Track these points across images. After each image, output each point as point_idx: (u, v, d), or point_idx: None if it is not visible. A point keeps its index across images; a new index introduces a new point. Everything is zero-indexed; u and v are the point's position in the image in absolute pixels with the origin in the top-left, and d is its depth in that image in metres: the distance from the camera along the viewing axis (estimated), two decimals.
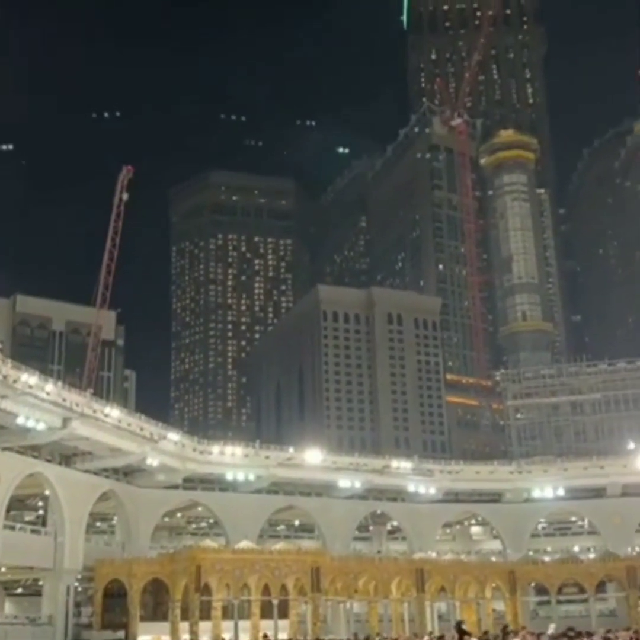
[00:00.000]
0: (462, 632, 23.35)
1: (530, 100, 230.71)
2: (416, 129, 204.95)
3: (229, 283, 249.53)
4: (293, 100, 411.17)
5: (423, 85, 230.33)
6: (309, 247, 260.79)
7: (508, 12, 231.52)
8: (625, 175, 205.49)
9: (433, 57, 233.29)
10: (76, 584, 57.57)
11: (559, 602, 66.88)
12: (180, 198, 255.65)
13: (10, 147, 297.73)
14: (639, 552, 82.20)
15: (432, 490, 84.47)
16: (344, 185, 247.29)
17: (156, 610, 55.14)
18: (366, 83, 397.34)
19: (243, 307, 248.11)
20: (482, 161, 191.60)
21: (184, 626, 51.81)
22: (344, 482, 79.11)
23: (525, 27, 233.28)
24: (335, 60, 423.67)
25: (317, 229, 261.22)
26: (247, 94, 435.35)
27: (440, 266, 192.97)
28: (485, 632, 21.77)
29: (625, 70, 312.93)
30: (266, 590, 54.50)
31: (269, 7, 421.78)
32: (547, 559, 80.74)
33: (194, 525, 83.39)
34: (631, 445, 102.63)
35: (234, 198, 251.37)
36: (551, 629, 27.67)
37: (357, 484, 79.94)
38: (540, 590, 69.67)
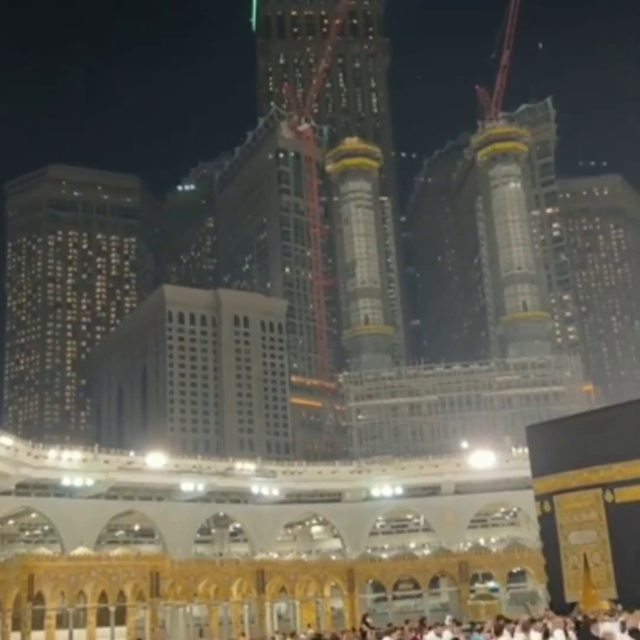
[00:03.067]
0: (368, 626, 24.04)
1: (375, 110, 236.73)
2: (264, 132, 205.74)
3: (69, 281, 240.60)
4: (142, 97, 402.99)
5: (271, 89, 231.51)
6: (155, 246, 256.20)
7: (354, 22, 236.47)
8: (461, 186, 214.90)
9: (281, 61, 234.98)
10: None
11: (394, 597, 68.84)
12: (16, 192, 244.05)
13: None
14: (471, 547, 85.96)
15: (275, 492, 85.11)
16: (191, 185, 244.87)
17: None
18: (216, 83, 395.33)
19: (84, 307, 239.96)
20: (328, 167, 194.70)
21: (15, 637, 49.52)
22: (187, 486, 78.41)
23: (370, 37, 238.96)
24: (185, 57, 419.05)
25: (163, 229, 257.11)
26: (93, 93, 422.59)
27: (287, 269, 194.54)
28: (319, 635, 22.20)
29: (465, 85, 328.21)
30: (103, 597, 53.01)
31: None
32: (384, 556, 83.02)
33: (27, 533, 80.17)
34: (464, 445, 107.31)
35: (76, 193, 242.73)
36: (448, 620, 28.41)
37: (200, 487, 79.41)
38: (377, 587, 71.50)
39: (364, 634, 21.22)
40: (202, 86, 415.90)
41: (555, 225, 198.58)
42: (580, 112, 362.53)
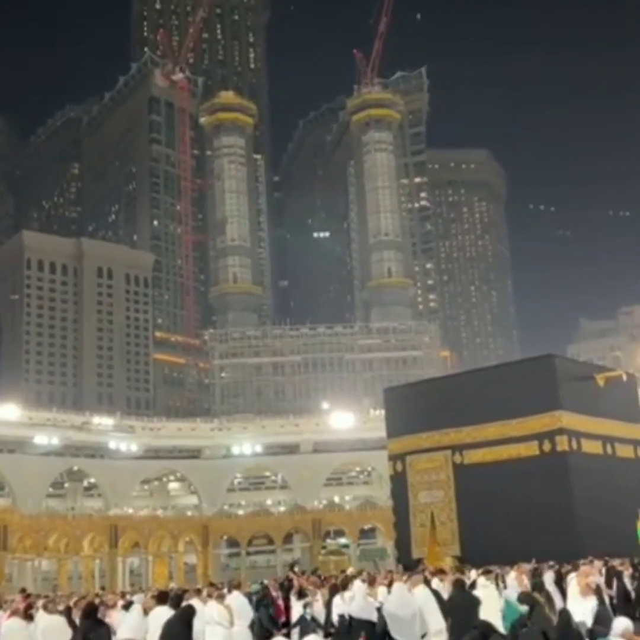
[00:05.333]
0: (295, 574, 24.11)
1: (252, 65, 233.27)
2: (136, 79, 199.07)
3: None
4: (8, 30, 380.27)
5: (146, 34, 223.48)
6: (16, 189, 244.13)
7: None
8: (335, 150, 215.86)
9: (157, 6, 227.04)
10: None
11: (248, 553, 69.82)
12: None
13: None
14: (325, 505, 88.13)
15: (133, 447, 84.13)
16: (57, 127, 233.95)
17: None
18: (86, 25, 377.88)
19: None
20: (202, 120, 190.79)
21: None
22: (41, 439, 76.28)
23: None
24: None
25: (24, 172, 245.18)
26: None
27: (155, 222, 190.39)
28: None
29: (343, 49, 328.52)
30: None
31: None
32: (240, 512, 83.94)
33: None
34: (325, 406, 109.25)
35: None
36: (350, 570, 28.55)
37: (55, 441, 77.48)
38: (232, 542, 72.25)
39: (291, 582, 21.38)
40: (71, 27, 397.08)
41: (422, 194, 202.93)
42: (453, 85, 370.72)
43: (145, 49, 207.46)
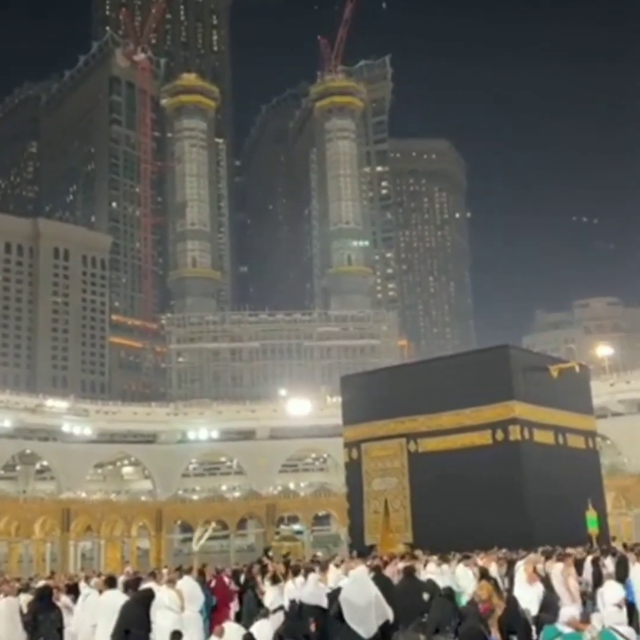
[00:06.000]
0: (269, 559, 24.17)
1: (215, 48, 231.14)
2: (97, 58, 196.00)
3: None
4: None
5: (108, 13, 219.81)
6: None
7: None
8: (297, 136, 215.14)
9: None
10: None
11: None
12: None
13: None
14: (280, 491, 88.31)
15: (88, 431, 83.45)
16: (15, 105, 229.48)
17: None
18: (49, 1, 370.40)
19: None
20: (163, 102, 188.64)
21: None
22: None
23: None
24: None
25: None
26: None
27: (114, 204, 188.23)
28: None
29: (308, 34, 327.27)
30: None
31: None
32: (195, 498, 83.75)
33: None
34: (283, 392, 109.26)
35: None
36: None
37: (8, 423, 76.51)
38: (186, 528, 72.12)
39: (265, 567, 21.35)
40: (32, 3, 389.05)
41: (384, 183, 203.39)
42: (416, 75, 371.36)
43: (107, 28, 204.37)
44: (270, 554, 28.83)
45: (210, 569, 21.89)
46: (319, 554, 30.37)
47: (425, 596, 13.46)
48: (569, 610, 10.00)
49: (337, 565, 20.31)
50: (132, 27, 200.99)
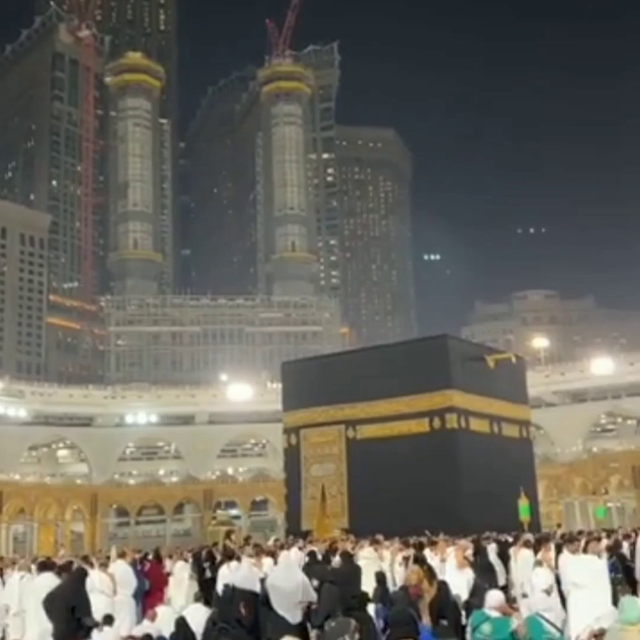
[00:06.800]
0: (231, 542, 23.88)
1: (162, 27, 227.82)
2: (40, 33, 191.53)
3: None
4: None
5: None
6: None
7: None
8: (244, 120, 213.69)
9: None
10: None
11: (137, 523, 69.25)
12: None
13: None
14: (218, 476, 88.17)
15: (22, 413, 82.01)
16: None
17: None
18: None
19: None
20: (107, 80, 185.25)
21: None
22: None
23: None
24: None
25: None
26: None
27: (54, 182, 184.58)
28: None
29: (256, 17, 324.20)
30: None
31: None
32: (131, 482, 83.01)
33: None
34: (223, 377, 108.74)
35: None
36: (271, 540, 28.20)
37: None
38: (121, 512, 71.51)
39: (226, 550, 21.15)
40: None
41: (329, 170, 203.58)
42: (364, 63, 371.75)
43: (51, 2, 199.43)
44: (233, 537, 28.76)
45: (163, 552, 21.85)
46: (273, 538, 30.30)
47: (315, 583, 13.51)
48: (496, 594, 10.17)
49: (300, 548, 20.55)
50: (76, 2, 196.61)
